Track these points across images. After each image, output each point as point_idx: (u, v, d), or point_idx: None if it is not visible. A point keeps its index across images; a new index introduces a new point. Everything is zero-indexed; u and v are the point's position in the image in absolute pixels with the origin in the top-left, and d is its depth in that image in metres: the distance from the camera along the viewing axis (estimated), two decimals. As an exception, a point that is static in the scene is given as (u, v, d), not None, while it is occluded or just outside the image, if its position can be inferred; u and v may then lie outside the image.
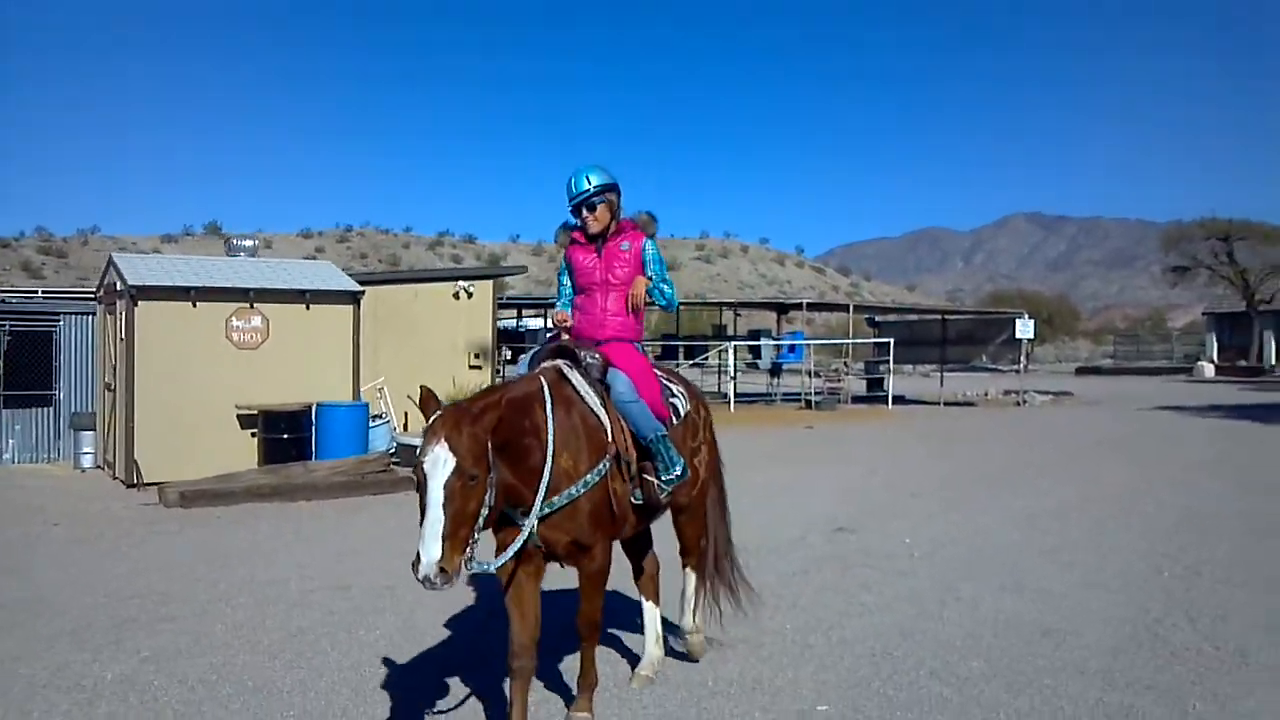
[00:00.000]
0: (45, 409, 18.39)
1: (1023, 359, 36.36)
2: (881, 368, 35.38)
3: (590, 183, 6.07)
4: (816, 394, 31.65)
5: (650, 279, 6.19)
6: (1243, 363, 56.03)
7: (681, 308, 45.79)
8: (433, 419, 4.70)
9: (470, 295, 21.12)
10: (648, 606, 6.66)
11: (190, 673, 6.72)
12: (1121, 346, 75.72)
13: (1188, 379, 51.17)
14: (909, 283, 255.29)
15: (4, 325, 18.00)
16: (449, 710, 5.96)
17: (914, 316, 43.44)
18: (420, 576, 4.44)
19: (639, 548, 6.80)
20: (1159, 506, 13.21)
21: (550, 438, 5.18)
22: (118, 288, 15.92)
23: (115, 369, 16.13)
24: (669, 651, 6.78)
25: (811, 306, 35.62)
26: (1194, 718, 5.87)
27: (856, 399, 33.25)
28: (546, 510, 5.16)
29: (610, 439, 5.58)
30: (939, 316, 39.79)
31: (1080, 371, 59.71)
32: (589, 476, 5.34)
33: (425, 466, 4.56)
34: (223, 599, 8.68)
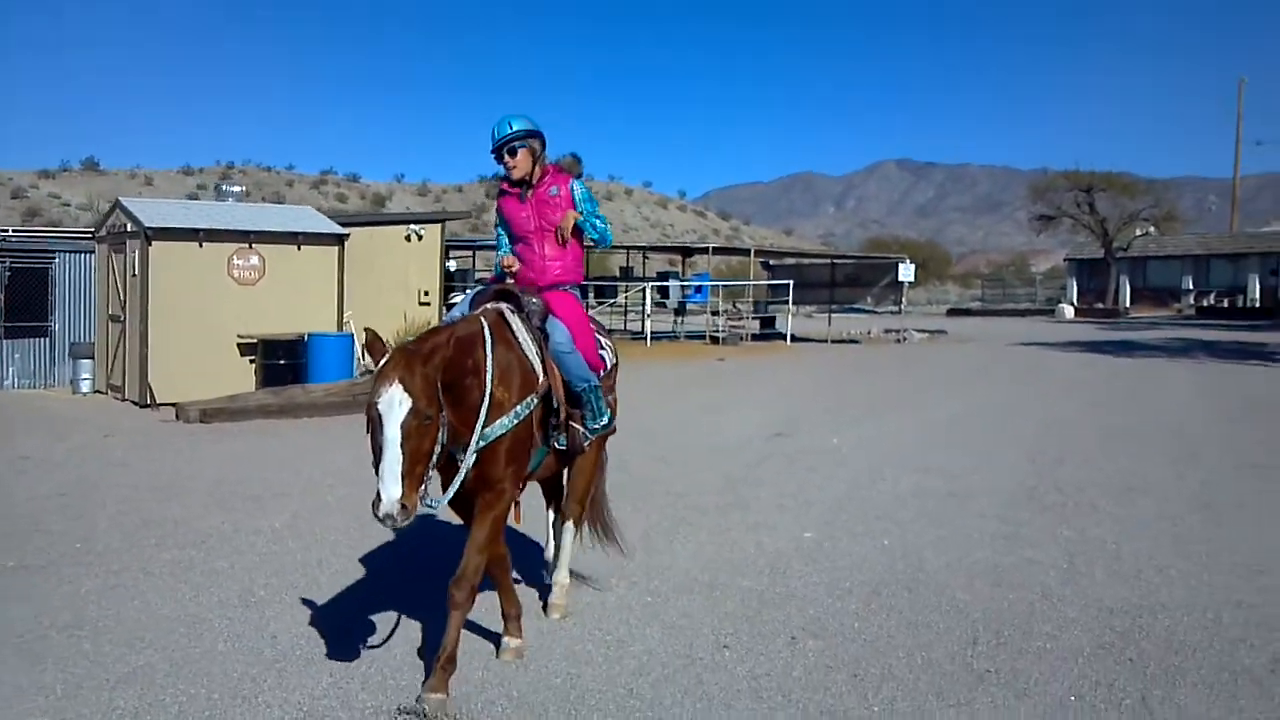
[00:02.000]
0: (42, 339, 20.13)
1: (903, 300, 39.68)
2: (776, 308, 38.38)
3: (511, 128, 6.15)
4: (720, 332, 34.49)
5: (580, 215, 6.27)
6: (1100, 305, 60.51)
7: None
8: (383, 361, 4.80)
9: (421, 238, 23.19)
10: (567, 527, 6.69)
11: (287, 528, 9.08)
12: (989, 290, 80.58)
13: (1050, 320, 55.24)
14: (785, 226, 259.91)
15: (4, 261, 19.67)
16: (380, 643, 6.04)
17: (805, 260, 46.62)
18: (381, 514, 4.55)
19: (558, 491, 6.92)
20: (1029, 417, 16.21)
21: (489, 375, 5.29)
22: (128, 229, 17.77)
23: (124, 302, 18.00)
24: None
25: (717, 251, 38.56)
26: (1061, 539, 8.61)
27: (754, 337, 36.09)
28: (482, 443, 5.27)
29: (542, 379, 5.73)
30: (828, 260, 43.03)
31: (951, 313, 63.60)
32: (519, 408, 5.46)
33: (380, 407, 4.66)
34: (305, 487, 10.99)
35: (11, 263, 19.78)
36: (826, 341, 35.77)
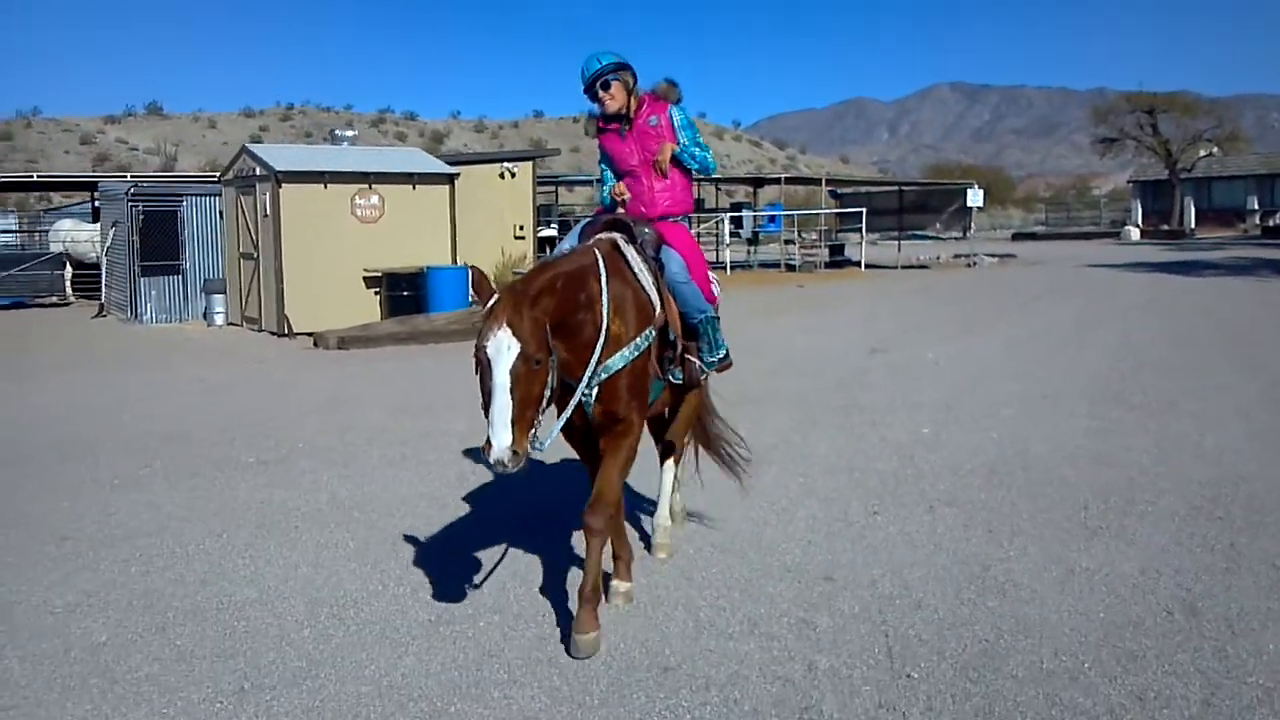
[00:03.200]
0: (174, 277, 21.79)
1: (971, 226, 40.49)
2: (845, 236, 39.37)
3: (600, 63, 6.06)
4: (794, 260, 35.60)
5: (680, 145, 6.16)
6: (1165, 227, 60.68)
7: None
8: (491, 303, 4.66)
9: (514, 175, 24.48)
10: (667, 467, 6.62)
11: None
12: (1052, 213, 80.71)
13: (1116, 242, 55.60)
14: (840, 153, 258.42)
15: (138, 205, 21.20)
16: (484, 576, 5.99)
17: (873, 189, 47.44)
18: (493, 460, 4.48)
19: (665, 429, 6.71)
20: (1108, 330, 17.29)
21: (605, 308, 5.17)
22: (258, 173, 19.19)
23: (256, 241, 19.46)
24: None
25: (788, 181, 39.54)
26: (1149, 430, 9.76)
27: (826, 264, 37.11)
28: (603, 375, 5.21)
29: (659, 311, 5.61)
30: (896, 188, 43.86)
31: (1016, 237, 63.94)
32: (638, 341, 5.35)
33: (489, 351, 4.54)
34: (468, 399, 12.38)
35: (145, 206, 21.31)
36: (897, 268, 36.67)
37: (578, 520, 5.61)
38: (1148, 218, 64.89)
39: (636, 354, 5.34)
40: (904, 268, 36.98)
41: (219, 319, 20.89)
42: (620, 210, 6.10)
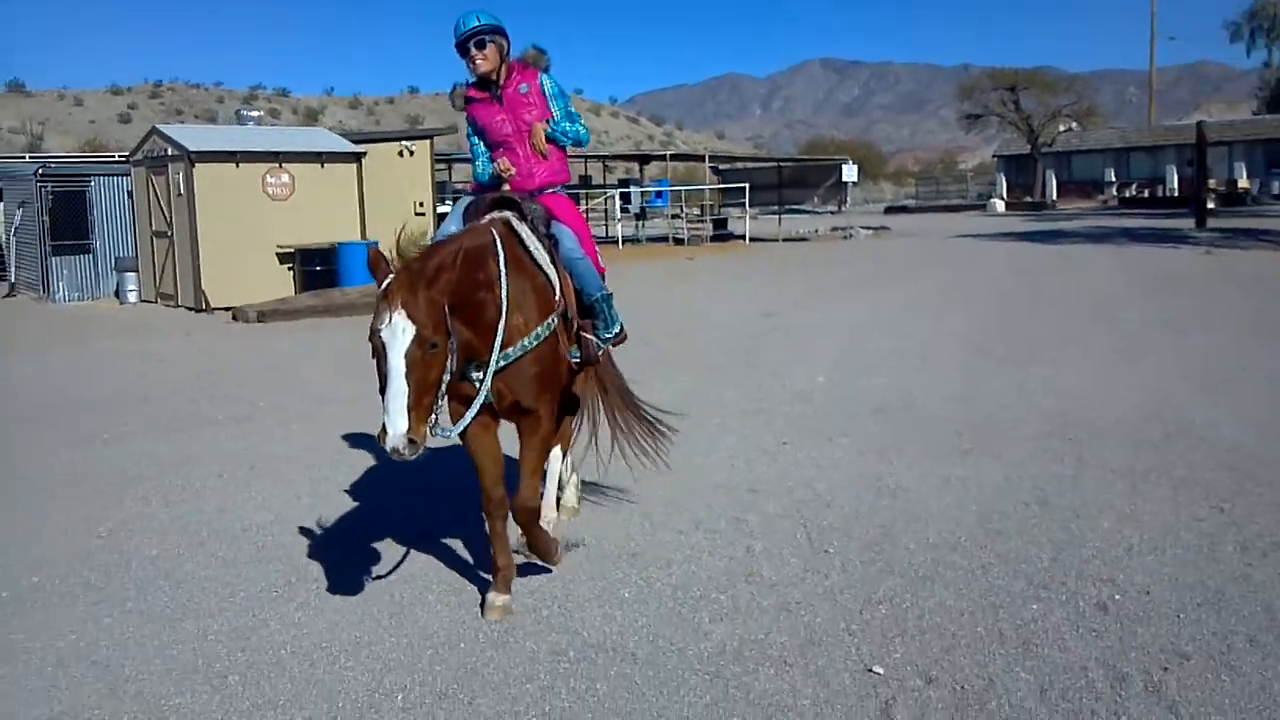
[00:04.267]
0: (85, 256, 22.22)
1: (847, 200, 42.32)
2: (734, 211, 40.86)
3: (478, 20, 5.85)
4: (682, 234, 36.99)
5: (550, 120, 5.99)
6: (1029, 199, 63.63)
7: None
8: (386, 284, 4.46)
9: (413, 154, 25.26)
10: (553, 454, 6.26)
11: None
12: (922, 187, 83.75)
13: (983, 214, 58.11)
14: (715, 129, 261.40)
15: (46, 186, 21.61)
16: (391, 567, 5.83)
17: (753, 164, 49.10)
18: (389, 448, 4.34)
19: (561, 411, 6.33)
20: (974, 293, 18.95)
21: (504, 293, 5.05)
22: (169, 153, 19.80)
23: (170, 219, 20.08)
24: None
25: (674, 158, 40.92)
26: (1010, 376, 11.24)
27: (712, 238, 38.52)
28: (501, 363, 5.06)
29: (558, 296, 5.52)
30: (775, 164, 45.57)
31: (889, 210, 66.26)
32: (539, 329, 5.25)
33: (383, 335, 4.39)
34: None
35: (53, 187, 21.72)
36: (779, 240, 38.22)
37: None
38: (1012, 190, 67.86)
39: (539, 341, 5.24)
40: (785, 240, 38.50)
41: (132, 296, 21.44)
42: (505, 187, 5.89)
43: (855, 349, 13.30)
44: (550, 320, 5.36)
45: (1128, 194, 61.22)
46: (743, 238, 37.86)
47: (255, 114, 23.24)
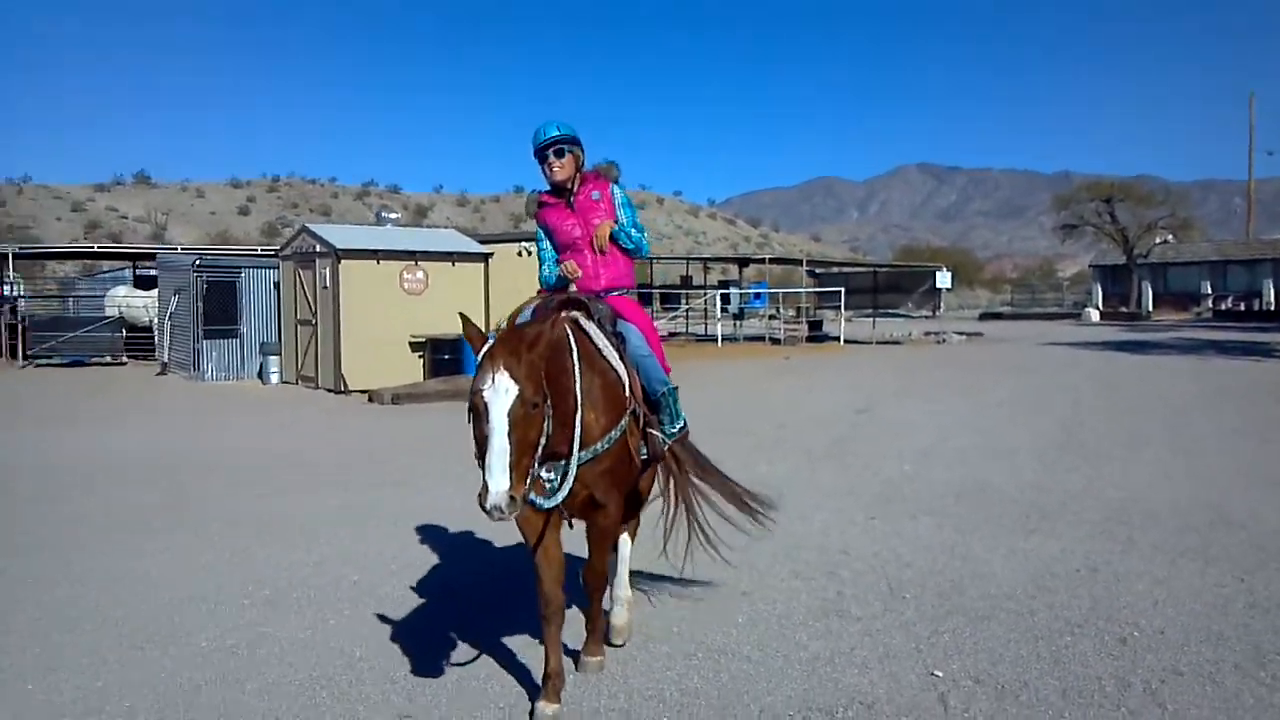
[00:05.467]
0: (233, 340, 24.35)
1: (940, 306, 43.56)
2: (830, 313, 42.38)
3: (558, 131, 6.11)
4: (779, 334, 38.51)
5: (618, 223, 6.21)
6: (1124, 309, 64.17)
7: (643, 259, 52.46)
8: (488, 347, 4.69)
9: (530, 254, 27.18)
10: (624, 541, 6.54)
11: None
12: (1017, 294, 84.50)
13: (1076, 323, 58.83)
14: (810, 232, 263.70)
15: (202, 276, 23.85)
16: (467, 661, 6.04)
17: (849, 269, 50.66)
18: (489, 506, 4.39)
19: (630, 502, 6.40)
20: (1059, 398, 20.06)
21: (578, 389, 5.15)
22: (317, 249, 21.87)
23: (314, 309, 22.09)
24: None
25: (772, 261, 42.69)
26: (1082, 470, 12.43)
27: (807, 339, 39.95)
28: (582, 460, 5.16)
29: (628, 394, 5.62)
30: (871, 269, 47.09)
31: (983, 316, 67.23)
32: (613, 433, 5.35)
33: (485, 395, 4.53)
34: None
35: (208, 277, 23.97)
36: (872, 343, 39.49)
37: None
38: (1108, 300, 68.41)
39: (611, 444, 5.34)
40: (879, 343, 39.73)
41: (274, 378, 23.46)
42: (572, 288, 6.09)
43: (941, 443, 14.57)
44: (624, 420, 5.48)
45: (1223, 307, 61.46)
46: (837, 339, 39.21)
47: (394, 215, 25.50)
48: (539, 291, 6.33)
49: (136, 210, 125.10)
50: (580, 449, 5.12)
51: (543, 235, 6.42)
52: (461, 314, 5.07)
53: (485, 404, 4.53)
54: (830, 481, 11.78)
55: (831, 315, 41.53)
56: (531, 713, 5.32)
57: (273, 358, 23.58)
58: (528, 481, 4.62)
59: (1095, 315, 61.69)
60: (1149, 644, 6.30)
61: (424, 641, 6.44)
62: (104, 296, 31.27)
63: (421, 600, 7.35)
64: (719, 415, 18.17)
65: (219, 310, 24.12)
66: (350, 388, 21.16)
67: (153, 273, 33.58)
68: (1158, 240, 67.14)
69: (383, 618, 6.86)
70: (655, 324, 6.72)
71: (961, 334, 43.10)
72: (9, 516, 10.12)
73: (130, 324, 29.63)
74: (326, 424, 17.28)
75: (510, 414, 4.50)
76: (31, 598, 7.44)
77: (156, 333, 27.68)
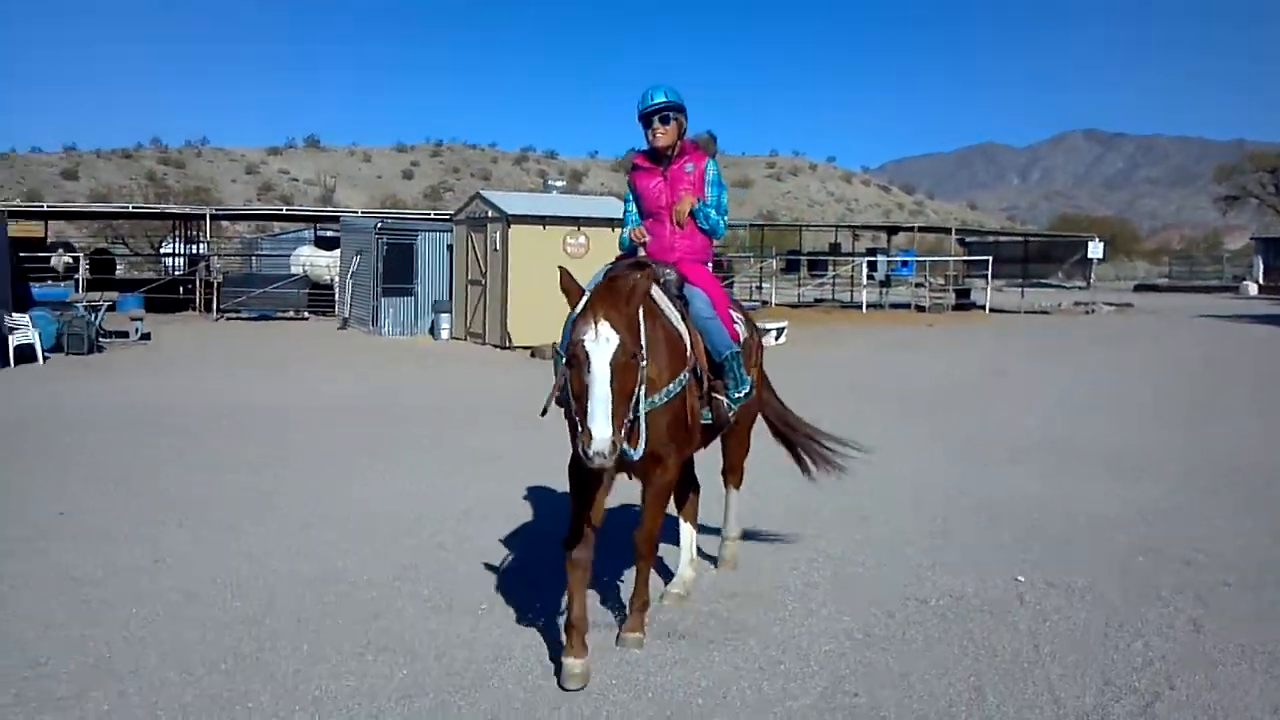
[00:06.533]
0: (408, 297, 26.39)
1: (1091, 276, 43.56)
2: (971, 281, 42.83)
3: (665, 96, 6.12)
4: (924, 301, 39.22)
5: (701, 200, 6.22)
6: (1284, 283, 62.61)
7: (749, 227, 52.88)
8: (587, 299, 4.87)
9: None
10: (685, 528, 6.72)
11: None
12: (1176, 266, 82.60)
13: (1233, 296, 57.80)
14: (967, 199, 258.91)
15: (383, 238, 25.90)
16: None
17: (999, 237, 50.81)
18: (592, 452, 4.52)
19: (687, 473, 6.62)
20: (1194, 360, 20.68)
21: (643, 343, 5.13)
22: (489, 215, 23.63)
23: (484, 270, 23.88)
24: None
25: (921, 229, 43.27)
26: (1197, 427, 13.30)
27: (953, 307, 40.50)
28: (641, 413, 5.15)
29: (689, 351, 5.68)
30: (1020, 238, 47.20)
31: (1139, 288, 66.12)
32: (671, 386, 5.39)
33: (587, 345, 4.65)
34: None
35: (389, 239, 26.01)
36: (1020, 312, 39.87)
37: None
38: (1269, 273, 66.54)
39: (671, 397, 5.40)
40: (1027, 313, 40.10)
41: (444, 333, 25.38)
42: (641, 253, 6.20)
43: (1064, 402, 15.57)
44: (683, 377, 5.52)
45: (1388, 282, 59.57)
46: (984, 308, 39.69)
47: (559, 183, 27.20)
48: (618, 257, 6.41)
49: (306, 173, 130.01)
50: (645, 397, 5.18)
51: (630, 197, 6.51)
52: (561, 268, 5.20)
53: (587, 354, 4.68)
54: (951, 432, 12.93)
55: (980, 284, 41.90)
56: (559, 671, 5.33)
57: (444, 315, 25.47)
58: (622, 431, 4.77)
59: (1254, 289, 60.33)
60: (1208, 565, 7.38)
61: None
62: (289, 256, 33.78)
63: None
64: (855, 373, 19.41)
65: (397, 270, 26.10)
66: (514, 344, 22.85)
67: (330, 234, 36.17)
68: (1325, 212, 65.27)
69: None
70: (726, 292, 6.62)
71: (1111, 305, 43.02)
72: (249, 442, 11.96)
73: (313, 282, 32.05)
74: (501, 373, 18.98)
75: (613, 363, 4.65)
76: (288, 503, 9.14)
77: (337, 290, 29.94)
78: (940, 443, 12.21)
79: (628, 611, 5.87)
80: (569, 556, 5.38)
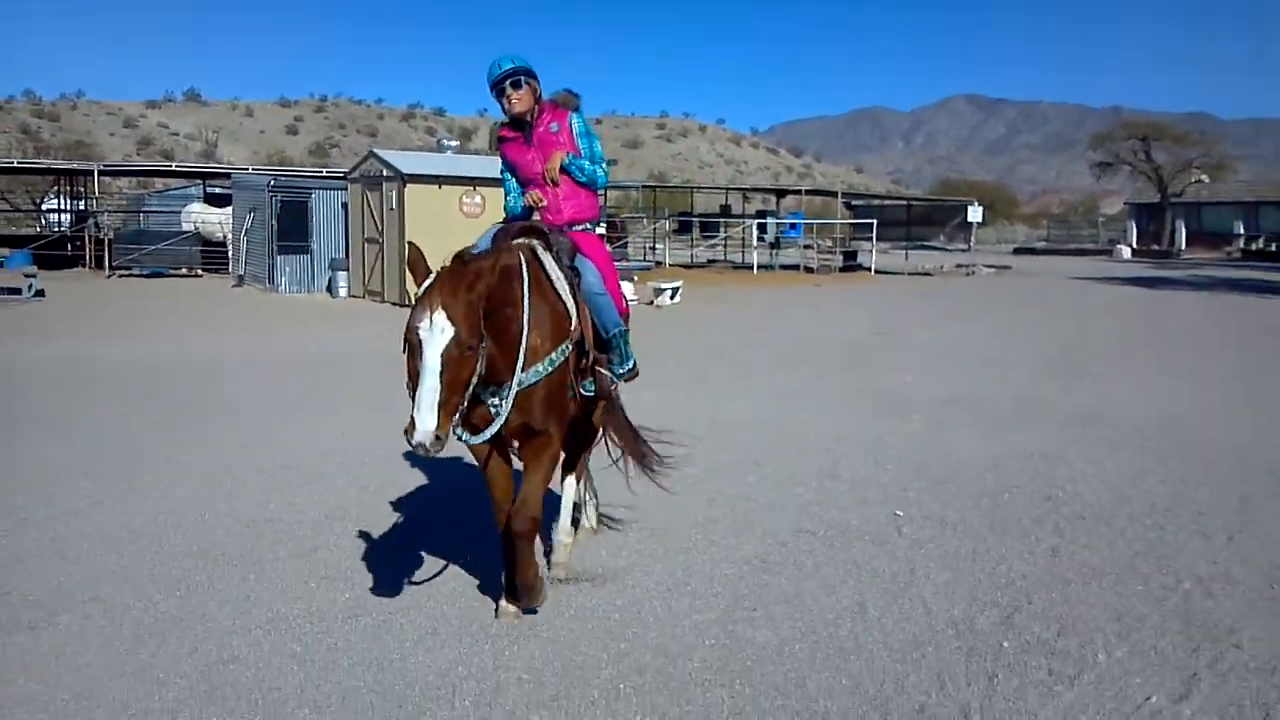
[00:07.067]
0: (304, 255, 26.50)
1: (972, 239, 45.07)
2: (857, 243, 44.07)
3: (513, 63, 6.05)
4: (812, 263, 40.26)
5: (571, 154, 6.12)
6: (1155, 247, 65.12)
7: (642, 188, 53.80)
8: (427, 284, 4.76)
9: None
10: (568, 482, 6.63)
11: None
12: (1054, 230, 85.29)
13: (1108, 259, 59.95)
14: (854, 162, 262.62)
15: (276, 196, 25.92)
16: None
17: (884, 201, 52.21)
18: (414, 443, 4.53)
19: (578, 441, 6.67)
20: (1064, 323, 21.84)
21: (526, 313, 5.18)
22: (384, 174, 23.82)
23: (380, 229, 24.08)
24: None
25: (809, 193, 44.34)
26: (1070, 386, 14.24)
27: (841, 269, 41.62)
28: (519, 386, 5.16)
29: (574, 324, 5.62)
30: (904, 201, 48.62)
31: (1018, 251, 68.06)
32: (553, 356, 5.37)
33: (421, 333, 4.61)
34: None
35: (282, 197, 26.04)
36: (904, 274, 41.08)
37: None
38: (1141, 238, 69.19)
39: (553, 368, 5.38)
40: (910, 274, 41.27)
41: (342, 291, 25.56)
42: (536, 216, 6.09)
43: (943, 359, 16.42)
44: (565, 346, 5.49)
45: (1255, 246, 62.32)
46: (869, 269, 40.87)
47: (454, 143, 27.47)
48: (506, 219, 6.33)
49: (187, 127, 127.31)
50: (522, 370, 5.17)
51: (505, 168, 6.41)
52: (410, 243, 5.09)
53: (420, 342, 4.63)
54: (839, 386, 13.68)
55: (866, 246, 43.08)
56: (496, 610, 5.67)
57: (341, 273, 25.62)
58: (455, 418, 4.75)
59: (1127, 252, 62.67)
60: (1068, 500, 8.17)
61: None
62: (179, 213, 33.45)
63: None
64: (749, 332, 20.14)
65: (292, 228, 26.17)
66: (413, 301, 23.12)
67: (220, 191, 35.88)
68: (1192, 180, 67.83)
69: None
70: (614, 262, 6.52)
71: (991, 267, 44.54)
72: (171, 394, 12.22)
73: (205, 239, 31.82)
74: (398, 330, 19.27)
75: (444, 355, 4.59)
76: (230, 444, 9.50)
77: (231, 247, 29.82)
78: (828, 396, 12.94)
79: (505, 586, 5.72)
80: (515, 531, 5.42)
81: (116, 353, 15.70)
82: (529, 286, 5.25)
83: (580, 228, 6.18)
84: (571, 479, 6.68)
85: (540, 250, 5.68)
